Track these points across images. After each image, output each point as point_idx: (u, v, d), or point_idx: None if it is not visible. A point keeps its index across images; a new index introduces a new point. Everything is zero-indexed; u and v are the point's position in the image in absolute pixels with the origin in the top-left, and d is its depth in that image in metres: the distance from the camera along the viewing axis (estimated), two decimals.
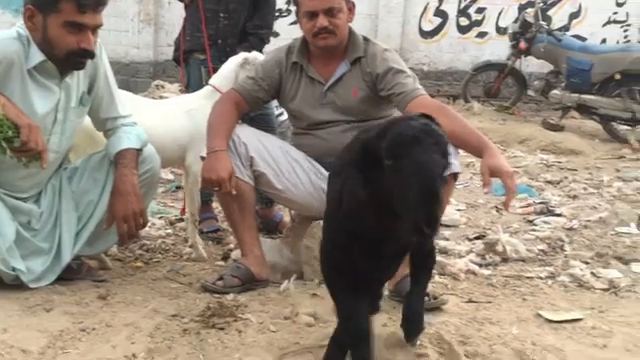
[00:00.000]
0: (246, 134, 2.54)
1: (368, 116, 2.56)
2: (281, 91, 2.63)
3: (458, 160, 2.34)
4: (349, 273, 1.71)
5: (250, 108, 2.65)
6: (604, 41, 8.46)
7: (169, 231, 3.38)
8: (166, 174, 4.85)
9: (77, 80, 2.25)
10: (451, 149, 2.25)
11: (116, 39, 8.85)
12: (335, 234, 1.73)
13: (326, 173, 2.59)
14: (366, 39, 2.59)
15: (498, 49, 8.48)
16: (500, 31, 8.72)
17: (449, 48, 8.91)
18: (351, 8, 2.55)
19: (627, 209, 3.79)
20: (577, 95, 6.55)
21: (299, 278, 2.64)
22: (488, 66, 7.47)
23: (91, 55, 2.15)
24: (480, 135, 2.27)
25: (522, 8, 8.54)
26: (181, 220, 3.52)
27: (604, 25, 8.69)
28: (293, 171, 2.57)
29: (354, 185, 1.55)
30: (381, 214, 1.53)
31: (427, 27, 8.93)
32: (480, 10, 8.84)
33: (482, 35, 8.85)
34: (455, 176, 2.37)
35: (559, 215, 3.96)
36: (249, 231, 2.57)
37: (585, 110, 6.59)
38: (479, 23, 8.86)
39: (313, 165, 2.61)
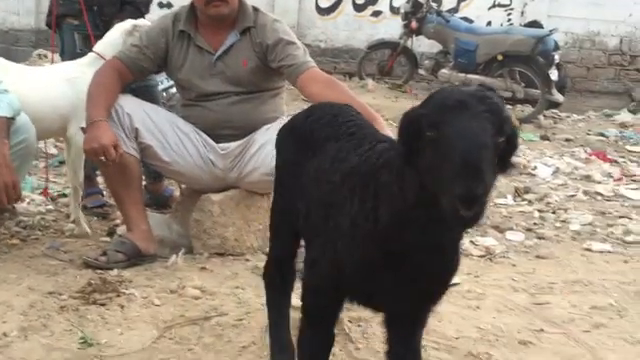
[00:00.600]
0: (130, 104, 2.45)
1: (258, 87, 2.55)
2: (168, 60, 2.55)
3: None
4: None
5: (134, 78, 2.55)
6: (489, 24, 8.86)
7: (50, 207, 3.21)
8: (49, 148, 4.60)
9: None
10: None
11: None
12: (359, 256, 1.33)
13: (215, 145, 2.57)
14: (255, 9, 2.55)
15: (392, 28, 8.67)
16: (394, 10, 8.89)
17: (345, 26, 8.99)
18: None
19: (504, 182, 4.04)
20: (464, 75, 6.85)
21: (188, 252, 2.60)
22: (382, 44, 7.63)
23: None
24: (367, 108, 2.31)
25: None
26: (64, 196, 3.36)
27: (489, 8, 9.08)
28: (181, 143, 2.52)
29: (402, 173, 1.21)
30: (431, 219, 1.19)
31: (324, 4, 8.95)
32: None
33: (377, 14, 8.99)
34: None
35: None
36: (135, 205, 2.49)
37: None
38: (374, 2, 8.98)
39: (202, 137, 2.56)
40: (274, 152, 2.47)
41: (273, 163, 2.48)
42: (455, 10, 8.80)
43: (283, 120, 2.56)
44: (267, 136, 2.51)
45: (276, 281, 1.76)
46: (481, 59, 6.76)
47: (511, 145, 1.18)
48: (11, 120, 2.22)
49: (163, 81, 3.94)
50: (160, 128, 2.48)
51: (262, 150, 2.50)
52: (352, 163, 1.41)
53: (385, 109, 6.72)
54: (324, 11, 8.98)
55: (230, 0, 2.45)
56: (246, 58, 2.50)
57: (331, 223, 1.39)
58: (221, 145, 2.55)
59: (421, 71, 7.55)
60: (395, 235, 1.25)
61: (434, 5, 7.16)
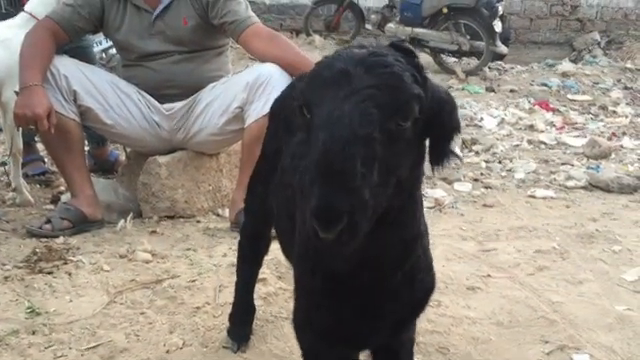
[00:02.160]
0: (67, 66, 2.34)
1: (201, 46, 2.47)
2: (104, 20, 2.44)
3: None
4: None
5: (69, 39, 2.43)
6: None
7: None
8: None
9: None
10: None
11: None
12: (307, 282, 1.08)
13: (159, 106, 2.50)
14: None
15: None
16: None
17: None
18: None
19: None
20: (410, 28, 6.84)
21: (137, 217, 2.56)
22: (328, 0, 7.52)
23: None
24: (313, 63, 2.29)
25: None
26: (3, 164, 3.23)
27: None
28: (123, 105, 2.44)
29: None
30: None
31: None
32: None
33: None
34: None
35: None
36: (78, 171, 2.42)
37: (417, 43, 6.91)
38: None
39: (145, 98, 2.48)
40: (220, 110, 2.44)
41: (220, 122, 2.45)
42: None
43: (228, 79, 2.52)
44: (212, 95, 2.46)
45: (246, 251, 1.66)
46: (427, 12, 6.75)
47: (442, 128, 0.91)
48: None
49: (102, 41, 3.80)
50: (100, 90, 2.39)
51: (208, 110, 2.45)
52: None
53: None
54: None
55: None
56: (186, 16, 2.41)
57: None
58: (165, 106, 2.49)
59: (368, 26, 7.50)
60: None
61: None
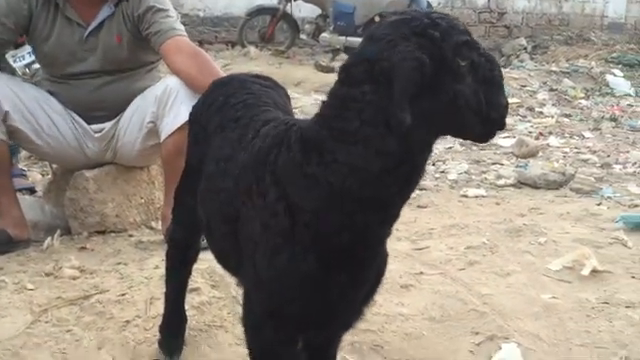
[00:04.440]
0: None
1: (133, 64, 2.40)
2: (31, 30, 2.31)
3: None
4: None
5: None
6: None
7: None
8: None
9: None
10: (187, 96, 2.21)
11: None
12: (285, 268, 1.07)
13: (88, 127, 2.42)
14: None
15: None
16: None
17: None
18: None
19: None
20: (344, 37, 6.95)
21: (66, 233, 2.48)
22: (261, 11, 7.55)
23: None
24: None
25: None
26: None
27: None
28: (53, 124, 2.34)
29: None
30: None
31: None
32: None
33: None
34: None
35: None
36: (4, 191, 2.31)
37: (351, 52, 7.00)
38: None
39: (74, 119, 2.40)
40: (137, 126, 2.37)
41: (139, 138, 2.38)
42: None
43: (144, 92, 2.42)
44: (131, 111, 2.40)
45: (175, 261, 1.61)
46: (360, 21, 6.88)
47: None
48: None
49: (24, 56, 3.68)
50: (30, 110, 2.28)
51: (128, 126, 2.39)
52: (239, 160, 1.19)
53: (270, 75, 6.72)
54: None
55: None
56: (119, 33, 2.32)
57: (241, 240, 1.14)
58: (94, 127, 2.41)
59: (303, 36, 7.57)
60: (329, 225, 1.02)
61: None
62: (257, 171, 1.13)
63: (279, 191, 1.07)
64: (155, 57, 2.48)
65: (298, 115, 5.58)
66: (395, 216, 1.08)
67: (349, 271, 1.09)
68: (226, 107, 1.37)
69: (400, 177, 1.01)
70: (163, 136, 2.28)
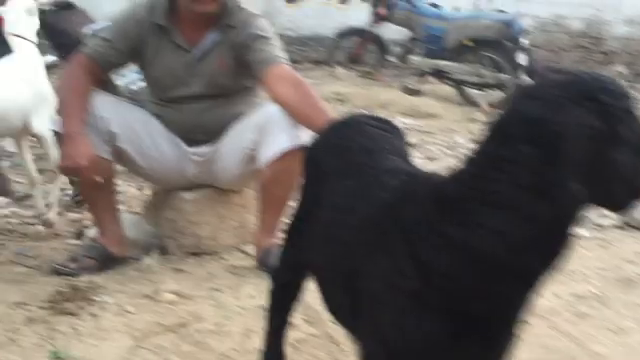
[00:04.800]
0: (105, 106, 2.28)
1: (235, 89, 2.42)
2: (140, 55, 2.36)
3: (303, 131, 2.20)
4: None
5: (104, 74, 2.39)
6: (457, 8, 8.88)
7: (14, 209, 3.07)
8: (10, 145, 4.43)
9: None
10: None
11: None
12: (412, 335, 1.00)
13: (188, 150, 2.46)
14: (238, 5, 2.36)
15: (361, 14, 8.61)
16: None
17: (313, 13, 8.89)
18: None
19: None
20: (433, 61, 6.82)
21: (162, 253, 2.52)
22: (351, 32, 7.55)
23: None
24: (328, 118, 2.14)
25: None
26: (29, 196, 3.23)
27: None
28: (156, 148, 2.39)
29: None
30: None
31: None
32: None
33: (344, 1, 8.92)
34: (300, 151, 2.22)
35: None
36: (108, 209, 2.38)
37: (440, 75, 6.90)
38: None
39: (176, 142, 2.44)
40: (236, 152, 2.38)
41: (237, 164, 2.38)
42: None
43: (243, 118, 2.42)
44: (230, 136, 2.41)
45: (277, 299, 1.57)
46: (450, 45, 6.73)
47: None
48: None
49: (128, 74, 3.82)
50: (136, 131, 2.35)
51: (227, 151, 2.41)
52: (360, 212, 1.13)
53: (356, 97, 6.68)
54: None
55: None
56: (224, 59, 2.34)
57: (361, 296, 1.09)
58: (193, 150, 2.44)
59: (390, 58, 7.50)
60: (463, 290, 0.96)
61: None
62: (381, 226, 1.07)
63: (408, 249, 1.01)
64: (254, 83, 2.49)
65: None
66: (535, 287, 1.00)
67: (479, 342, 1.01)
68: (345, 152, 1.31)
69: (548, 246, 0.94)
70: (261, 163, 2.28)
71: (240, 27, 2.33)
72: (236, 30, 2.34)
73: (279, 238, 2.21)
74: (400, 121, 6.10)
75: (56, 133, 2.27)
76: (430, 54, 6.85)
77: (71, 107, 2.19)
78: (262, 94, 2.62)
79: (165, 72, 2.37)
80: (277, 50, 2.32)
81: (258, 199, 2.41)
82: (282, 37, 9.02)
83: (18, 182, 3.60)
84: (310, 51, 8.93)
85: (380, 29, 7.41)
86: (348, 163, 1.28)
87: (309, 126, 2.17)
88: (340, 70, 7.38)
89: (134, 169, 2.49)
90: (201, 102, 2.40)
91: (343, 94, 6.71)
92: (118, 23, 2.36)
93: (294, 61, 9.15)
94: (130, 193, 3.31)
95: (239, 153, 2.37)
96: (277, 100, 2.25)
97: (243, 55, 2.33)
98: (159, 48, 2.35)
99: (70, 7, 4.39)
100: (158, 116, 2.46)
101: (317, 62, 8.67)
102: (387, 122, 1.44)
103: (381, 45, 7.51)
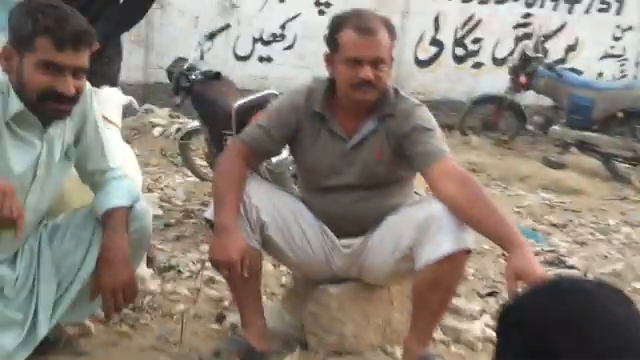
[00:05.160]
0: (258, 194, 2.24)
1: (391, 180, 2.31)
2: (295, 142, 2.32)
3: (468, 233, 2.08)
4: None
5: (259, 161, 2.37)
6: (600, 75, 8.38)
7: (157, 282, 3.10)
8: (154, 209, 4.60)
9: (62, 131, 1.99)
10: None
11: None
12: None
13: (337, 241, 2.35)
14: (397, 92, 2.27)
15: (494, 79, 8.36)
16: (496, 62, 8.61)
17: (445, 77, 8.76)
18: (393, 59, 2.23)
19: None
20: (578, 132, 6.40)
21: (303, 348, 2.39)
22: (487, 99, 7.30)
23: (70, 101, 1.86)
24: (508, 226, 1.98)
25: (518, 39, 8.46)
26: (171, 268, 3.27)
27: (601, 59, 8.60)
28: (304, 236, 2.31)
29: None
30: None
31: (423, 56, 8.78)
32: (476, 40, 8.71)
33: (478, 65, 8.71)
34: (468, 253, 2.13)
35: (571, 267, 3.76)
36: (253, 300, 2.31)
37: (586, 147, 6.44)
38: (475, 53, 8.73)
39: (325, 231, 2.35)
40: (391, 247, 2.22)
41: (391, 260, 2.23)
42: (563, 61, 8.39)
43: (401, 211, 2.30)
44: (385, 228, 2.28)
45: None
46: (598, 116, 6.29)
47: None
48: (129, 209, 2.12)
49: None
50: (285, 220, 2.28)
51: (380, 244, 2.27)
52: None
53: (492, 167, 6.37)
54: (423, 63, 8.80)
55: (380, 86, 2.16)
56: (381, 149, 2.24)
57: None
58: (343, 242, 2.33)
59: (529, 126, 7.13)
60: None
61: (543, 58, 6.77)
62: None
63: None
64: (412, 173, 2.36)
65: (523, 216, 5.18)
66: None
67: None
68: (577, 331, 1.00)
69: None
70: (420, 265, 2.11)
71: (400, 117, 2.23)
72: (396, 119, 2.23)
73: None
74: (542, 196, 5.71)
75: (208, 221, 2.24)
76: (574, 124, 6.44)
77: (226, 197, 2.17)
78: (417, 183, 2.49)
79: (319, 160, 2.31)
80: (441, 143, 2.19)
81: (412, 302, 2.23)
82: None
83: (161, 249, 3.70)
84: (440, 115, 8.75)
85: (518, 96, 7.11)
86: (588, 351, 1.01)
87: (479, 230, 2.02)
88: (474, 139, 7.12)
89: (280, 257, 2.42)
90: (354, 193, 2.30)
91: (478, 164, 6.43)
92: (275, 110, 2.33)
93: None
94: (265, 269, 3.26)
95: (394, 250, 2.22)
96: (443, 198, 2.09)
97: (403, 147, 2.22)
98: (315, 136, 2.30)
99: (218, 77, 4.57)
100: (308, 204, 2.39)
101: (447, 126, 8.48)
102: (618, 292, 1.13)
103: (519, 113, 7.19)
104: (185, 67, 4.61)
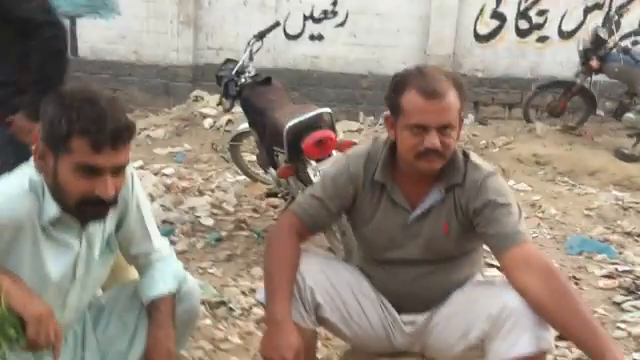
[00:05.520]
0: (312, 273, 2.05)
1: (458, 253, 2.09)
2: (353, 211, 2.12)
3: (549, 331, 1.82)
4: None
5: (314, 234, 2.17)
6: None
7: (208, 322, 2.98)
8: (205, 219, 4.50)
9: (102, 224, 1.84)
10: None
11: (155, 41, 8.51)
12: None
13: (398, 317, 2.15)
14: (466, 158, 2.02)
15: (560, 55, 7.85)
16: (563, 35, 8.05)
17: (507, 53, 8.25)
18: (462, 120, 1.98)
19: None
20: None
21: None
22: (555, 84, 6.82)
23: (111, 203, 1.71)
24: (597, 333, 1.71)
25: (587, 11, 7.87)
26: (222, 304, 3.16)
27: None
28: (362, 312, 2.12)
29: None
30: None
31: (483, 30, 8.27)
32: (541, 12, 8.13)
33: (543, 39, 8.16)
34: (544, 355, 1.86)
35: None
36: None
37: None
38: (540, 26, 8.16)
39: (385, 305, 2.15)
40: (459, 333, 1.98)
41: (458, 345, 2.00)
42: (637, 32, 7.76)
43: (471, 289, 2.08)
44: (452, 307, 2.07)
45: None
46: None
47: None
48: (175, 295, 1.98)
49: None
50: (342, 297, 2.09)
51: (446, 325, 2.06)
52: None
53: (559, 160, 5.97)
54: (483, 38, 8.30)
55: (447, 153, 1.94)
56: (447, 221, 2.01)
57: None
58: (404, 318, 2.14)
59: (599, 112, 6.65)
60: None
61: (618, 40, 6.23)
62: None
63: None
64: (480, 243, 2.12)
65: (594, 220, 4.83)
66: None
67: None
68: None
69: None
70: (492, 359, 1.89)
71: (470, 188, 1.98)
72: (465, 191, 1.99)
73: None
74: (614, 195, 5.32)
75: (260, 302, 2.08)
76: None
77: (279, 283, 1.98)
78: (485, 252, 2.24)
79: (380, 232, 2.09)
80: (518, 222, 1.93)
81: None
82: (470, 78, 8.51)
83: (212, 274, 3.60)
84: (500, 93, 8.31)
85: (590, 81, 6.60)
86: None
87: (562, 333, 1.80)
88: (539, 126, 6.69)
89: (337, 334, 2.23)
90: (418, 267, 2.09)
91: (543, 156, 6.05)
92: (331, 178, 2.11)
93: (482, 103, 8.63)
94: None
95: (462, 337, 2.00)
96: (521, 290, 1.84)
97: (473, 222, 1.98)
98: (375, 206, 2.08)
99: (268, 82, 4.35)
100: (367, 274, 2.19)
101: (508, 105, 8.05)
102: None
103: (589, 98, 6.70)
104: (234, 71, 4.43)
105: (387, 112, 2.02)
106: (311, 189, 2.16)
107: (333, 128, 3.65)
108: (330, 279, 2.09)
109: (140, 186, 1.94)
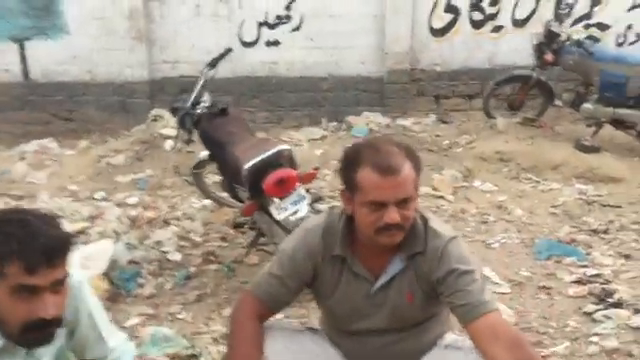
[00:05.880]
0: (277, 353, 2.01)
1: (424, 319, 2.08)
2: (314, 286, 2.07)
3: None
4: None
5: (275, 314, 2.13)
6: (630, 27, 7.84)
7: None
8: (173, 254, 4.43)
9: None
10: None
11: (108, 59, 8.29)
12: None
13: None
14: (426, 225, 1.99)
15: (515, 43, 7.88)
16: (517, 23, 8.08)
17: (463, 46, 8.25)
18: (418, 189, 1.93)
19: None
20: (612, 109, 6.01)
21: None
22: (512, 79, 6.85)
23: (56, 323, 1.61)
24: None
25: None
26: (194, 357, 3.12)
27: (629, 10, 8.01)
28: None
29: None
30: None
31: (438, 24, 8.27)
32: (494, 2, 8.15)
33: (497, 29, 8.18)
34: None
35: (618, 305, 3.50)
36: None
37: (621, 125, 6.06)
38: (494, 17, 8.18)
39: None
40: None
41: None
42: (588, 16, 7.85)
43: (447, 338, 2.10)
44: None
45: None
46: (633, 93, 5.87)
47: None
48: None
49: (287, 207, 3.58)
50: None
51: None
52: None
53: (521, 156, 6.00)
54: (438, 32, 8.29)
55: (407, 225, 1.90)
56: (411, 291, 1.98)
57: None
58: None
59: (558, 102, 6.72)
60: None
61: (571, 35, 6.28)
62: None
63: None
64: (436, 309, 2.10)
65: (560, 218, 4.89)
66: None
67: None
68: None
69: None
70: None
71: (432, 256, 1.95)
72: (427, 259, 1.96)
73: None
74: (577, 188, 5.40)
75: None
76: (607, 102, 6.03)
77: None
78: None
79: (343, 304, 2.06)
80: (482, 290, 1.90)
81: None
82: (429, 73, 8.50)
83: (182, 319, 3.54)
84: (460, 85, 8.34)
85: (546, 74, 6.65)
86: None
87: None
88: (500, 121, 6.71)
89: None
90: (386, 336, 2.07)
91: (506, 153, 6.08)
92: (289, 256, 2.04)
93: (443, 96, 8.68)
94: None
95: None
96: None
97: (437, 291, 1.96)
98: (337, 279, 2.04)
99: (224, 113, 4.27)
100: (337, 344, 2.16)
101: (468, 96, 8.09)
102: None
103: (546, 90, 6.75)
104: (189, 102, 4.34)
105: (342, 187, 1.98)
106: (269, 267, 2.09)
107: (293, 164, 3.60)
108: (296, 356, 2.06)
109: (90, 292, 1.85)
